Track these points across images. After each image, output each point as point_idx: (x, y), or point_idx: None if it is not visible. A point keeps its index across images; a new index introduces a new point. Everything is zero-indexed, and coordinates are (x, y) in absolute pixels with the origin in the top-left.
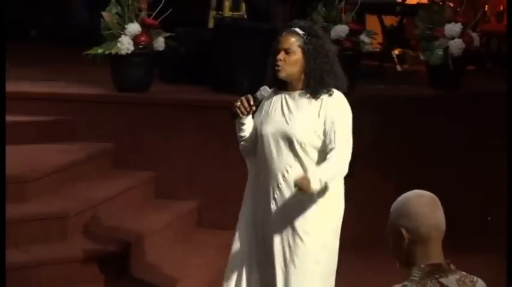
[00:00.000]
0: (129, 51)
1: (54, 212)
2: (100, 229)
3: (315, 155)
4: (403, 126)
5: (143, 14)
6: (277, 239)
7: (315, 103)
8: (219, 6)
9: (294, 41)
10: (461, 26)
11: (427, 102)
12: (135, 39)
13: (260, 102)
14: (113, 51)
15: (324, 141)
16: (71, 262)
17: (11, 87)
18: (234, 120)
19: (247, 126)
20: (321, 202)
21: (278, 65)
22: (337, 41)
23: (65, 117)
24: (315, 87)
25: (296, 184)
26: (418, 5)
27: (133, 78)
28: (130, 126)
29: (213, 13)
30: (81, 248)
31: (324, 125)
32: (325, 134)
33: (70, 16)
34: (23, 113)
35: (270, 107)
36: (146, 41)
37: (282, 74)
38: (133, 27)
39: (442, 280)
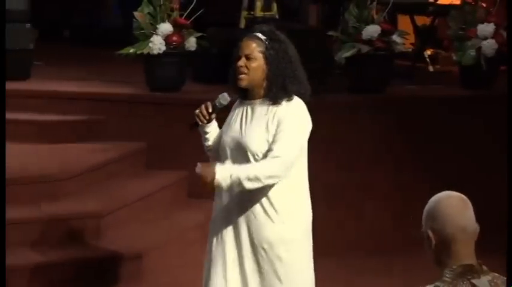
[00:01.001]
0: (161, 51)
1: (87, 211)
2: (133, 228)
3: None
4: (435, 127)
5: (175, 14)
6: (234, 252)
7: (272, 110)
8: (251, 6)
9: (255, 47)
10: (494, 27)
11: (459, 103)
12: (167, 39)
13: (219, 110)
14: (145, 51)
15: None
16: (104, 260)
17: (44, 86)
18: (192, 130)
19: (211, 135)
20: (276, 215)
21: (239, 73)
22: (368, 41)
23: (98, 116)
24: (276, 94)
25: (200, 175)
26: (451, 5)
27: (165, 78)
28: (163, 125)
29: (244, 13)
30: (114, 247)
31: (275, 132)
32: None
33: (103, 16)
34: (57, 113)
35: (232, 117)
36: (178, 41)
37: (243, 83)
38: (165, 27)
39: (474, 281)
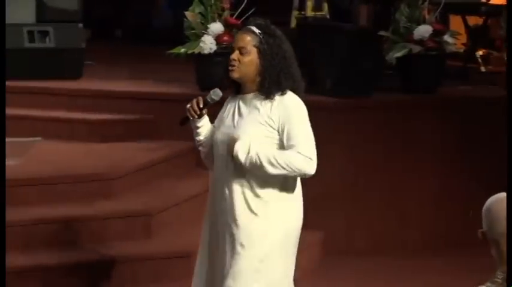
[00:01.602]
0: (212, 51)
1: (139, 209)
2: (183, 226)
3: None
4: (487, 128)
5: (226, 13)
6: (222, 249)
7: (266, 105)
8: (302, 6)
9: (249, 40)
10: None
11: None
12: (217, 38)
13: (210, 105)
14: (196, 51)
15: (280, 145)
16: (155, 259)
17: (95, 86)
18: (183, 124)
19: (203, 130)
20: (264, 211)
21: (232, 65)
22: (420, 42)
23: (149, 116)
24: (269, 89)
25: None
26: (503, 5)
27: (216, 78)
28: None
29: (295, 13)
30: (165, 246)
31: (278, 128)
32: (279, 136)
33: (154, 16)
34: (108, 112)
35: (225, 112)
36: (229, 41)
37: (235, 75)
38: (216, 27)
39: None
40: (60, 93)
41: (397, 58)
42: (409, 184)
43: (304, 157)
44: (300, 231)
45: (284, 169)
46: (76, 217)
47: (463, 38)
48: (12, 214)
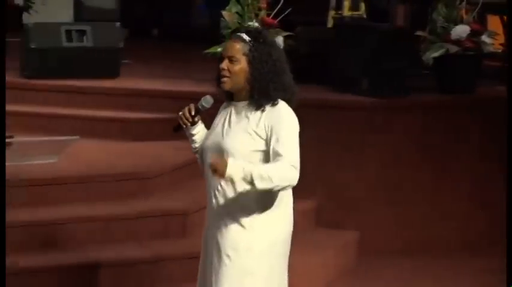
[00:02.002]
0: None
1: (174, 208)
2: None
3: None
4: None
5: (263, 13)
6: (209, 258)
7: (256, 114)
8: (339, 6)
9: (238, 49)
10: None
11: None
12: None
13: (202, 112)
14: None
15: (266, 155)
16: (190, 258)
17: (132, 84)
18: (176, 132)
19: (198, 137)
20: (249, 221)
21: (222, 76)
22: (457, 42)
23: None
24: (259, 99)
25: (211, 165)
26: None
27: None
28: None
29: (332, 13)
30: (200, 245)
31: (266, 137)
32: (267, 145)
33: (191, 15)
34: (144, 111)
35: (217, 119)
36: None
37: (226, 87)
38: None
39: None
40: (97, 92)
41: (434, 58)
42: (446, 183)
43: (289, 165)
44: (288, 241)
45: (272, 181)
46: (113, 216)
47: (501, 38)
48: (49, 212)
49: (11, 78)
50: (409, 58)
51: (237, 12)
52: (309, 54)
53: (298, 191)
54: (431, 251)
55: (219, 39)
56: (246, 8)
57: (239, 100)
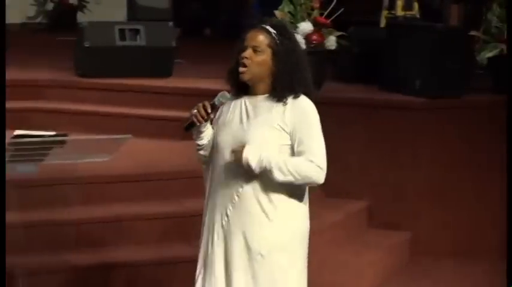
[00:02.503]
0: None
1: None
2: None
3: None
4: None
5: (315, 12)
6: (232, 254)
7: (279, 108)
8: (392, 6)
9: (263, 39)
10: None
11: None
12: (307, 38)
13: (218, 109)
14: None
15: (292, 149)
16: None
17: (184, 84)
18: (189, 131)
19: (206, 133)
20: (275, 215)
21: (244, 64)
22: None
23: None
24: (282, 91)
25: (231, 150)
26: None
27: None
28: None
29: (385, 12)
30: None
31: (290, 132)
32: (291, 140)
33: (244, 15)
34: None
35: (227, 113)
36: (318, 40)
37: (246, 77)
38: (306, 26)
39: None
40: (150, 91)
41: (488, 58)
42: (498, 185)
43: (315, 165)
44: (307, 235)
45: (293, 176)
46: (164, 214)
47: None
48: (101, 210)
49: (65, 77)
50: (463, 58)
51: (289, 12)
52: (361, 54)
53: (349, 192)
54: (483, 254)
55: None
56: (298, 7)
57: (256, 93)
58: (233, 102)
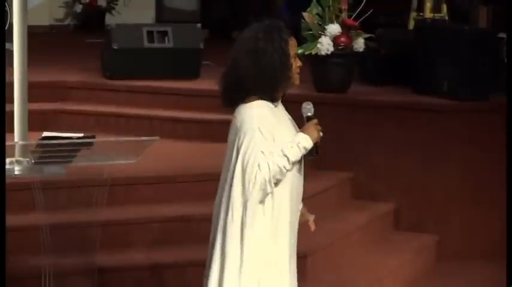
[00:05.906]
0: (329, 52)
1: None
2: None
3: None
4: None
5: (343, 15)
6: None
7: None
8: (420, 8)
9: None
10: None
11: None
12: (335, 40)
13: None
14: (313, 52)
15: None
16: None
17: (211, 86)
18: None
19: None
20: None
21: (299, 72)
22: None
23: None
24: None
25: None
26: None
27: (332, 79)
28: (330, 126)
29: (413, 14)
30: None
31: None
32: None
33: (272, 17)
34: (225, 112)
35: (279, 122)
36: (346, 42)
37: (298, 82)
38: (333, 28)
39: None
40: (177, 93)
41: None
42: None
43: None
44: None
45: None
46: (191, 216)
47: None
48: (129, 212)
49: (92, 78)
50: (492, 60)
51: (317, 14)
52: (389, 55)
53: (377, 194)
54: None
55: (299, 41)
56: (326, 9)
57: (280, 100)
58: (271, 109)
